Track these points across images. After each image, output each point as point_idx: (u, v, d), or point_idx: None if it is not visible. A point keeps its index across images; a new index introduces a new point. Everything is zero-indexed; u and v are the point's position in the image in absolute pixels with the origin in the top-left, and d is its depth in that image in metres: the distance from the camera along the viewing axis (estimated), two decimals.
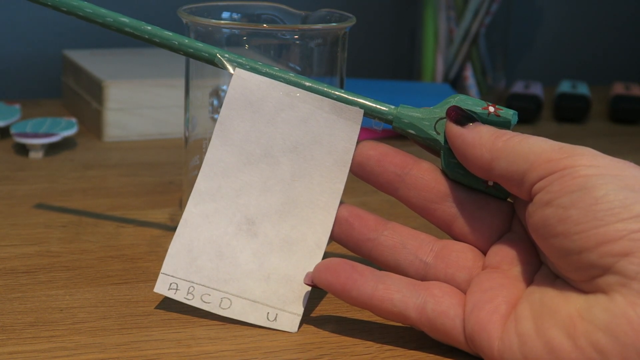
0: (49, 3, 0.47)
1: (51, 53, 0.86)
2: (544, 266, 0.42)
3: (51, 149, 0.69)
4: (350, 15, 0.53)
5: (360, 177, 0.45)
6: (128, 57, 0.81)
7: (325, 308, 0.46)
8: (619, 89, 0.90)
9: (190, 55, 0.47)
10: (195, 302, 0.44)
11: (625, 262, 0.36)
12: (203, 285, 0.44)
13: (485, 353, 0.39)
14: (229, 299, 0.44)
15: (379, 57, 0.97)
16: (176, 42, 0.46)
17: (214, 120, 0.55)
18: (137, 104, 0.73)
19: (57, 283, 0.47)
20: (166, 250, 0.52)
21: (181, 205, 0.56)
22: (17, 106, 0.74)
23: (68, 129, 0.70)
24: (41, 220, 0.56)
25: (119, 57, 0.81)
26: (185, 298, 0.44)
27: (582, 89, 0.89)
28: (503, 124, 0.43)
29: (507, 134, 0.41)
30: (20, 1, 0.84)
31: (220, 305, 0.44)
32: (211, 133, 0.54)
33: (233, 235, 0.45)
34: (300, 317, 0.43)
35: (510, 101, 0.85)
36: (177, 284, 0.44)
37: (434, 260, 0.44)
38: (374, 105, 0.45)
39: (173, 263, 0.44)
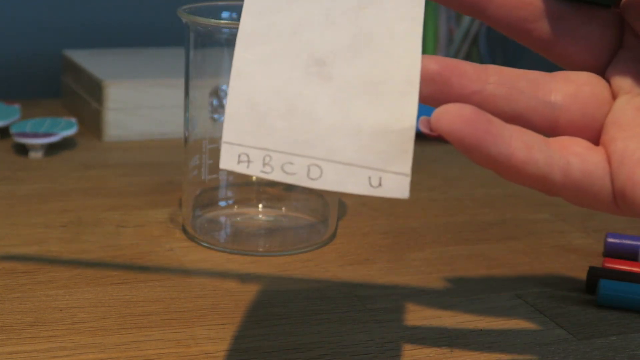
0: None
1: (51, 53, 0.86)
2: None
3: (51, 149, 0.69)
4: None
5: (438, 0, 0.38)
6: (128, 57, 0.81)
7: (324, 308, 0.46)
8: None
9: None
10: (277, 175, 0.35)
11: None
12: (281, 152, 0.35)
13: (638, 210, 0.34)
14: (318, 166, 0.35)
15: None
16: None
17: (214, 120, 0.55)
18: (137, 104, 0.73)
19: (56, 283, 0.47)
20: (166, 250, 0.52)
21: (181, 205, 0.56)
22: (17, 106, 0.74)
23: (68, 129, 0.70)
24: (41, 220, 0.56)
25: (119, 57, 0.81)
26: (262, 171, 0.35)
27: None
28: None
29: None
30: (20, 1, 0.84)
31: (308, 175, 0.35)
32: (211, 133, 0.54)
33: (302, 82, 0.36)
34: (409, 178, 0.35)
35: None
36: (247, 155, 0.35)
37: (564, 99, 0.36)
38: None
39: (236, 127, 0.35)
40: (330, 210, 0.55)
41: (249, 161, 0.35)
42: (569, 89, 0.36)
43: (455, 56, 0.88)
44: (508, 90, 0.36)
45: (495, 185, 0.66)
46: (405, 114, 0.35)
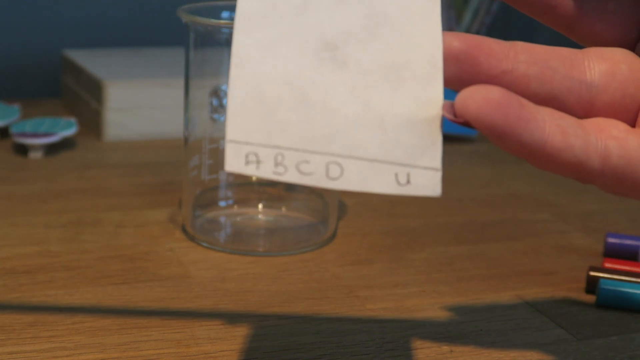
0: None
1: (51, 53, 0.86)
2: None
3: (51, 149, 0.69)
4: None
5: None
6: (128, 57, 0.81)
7: (324, 308, 0.46)
8: None
9: None
10: (291, 176, 0.31)
11: None
12: (295, 149, 0.31)
13: None
14: (338, 164, 0.31)
15: None
16: None
17: (214, 120, 0.55)
18: (137, 104, 0.73)
19: (56, 283, 0.47)
20: (166, 250, 0.52)
21: (181, 205, 0.56)
22: (17, 106, 0.74)
23: (67, 129, 0.70)
24: (41, 220, 0.56)
25: (119, 57, 0.81)
26: (274, 172, 0.31)
27: None
28: None
29: None
30: (20, 1, 0.84)
31: (327, 175, 0.31)
32: (211, 133, 0.54)
33: (314, 68, 0.32)
34: (440, 173, 0.31)
35: None
36: (256, 154, 0.31)
37: (601, 79, 0.33)
38: None
39: (242, 122, 0.31)
40: (330, 210, 0.55)
41: (258, 161, 0.31)
42: (605, 67, 0.33)
43: None
44: (541, 69, 0.32)
45: (495, 185, 0.66)
46: (430, 101, 0.32)
